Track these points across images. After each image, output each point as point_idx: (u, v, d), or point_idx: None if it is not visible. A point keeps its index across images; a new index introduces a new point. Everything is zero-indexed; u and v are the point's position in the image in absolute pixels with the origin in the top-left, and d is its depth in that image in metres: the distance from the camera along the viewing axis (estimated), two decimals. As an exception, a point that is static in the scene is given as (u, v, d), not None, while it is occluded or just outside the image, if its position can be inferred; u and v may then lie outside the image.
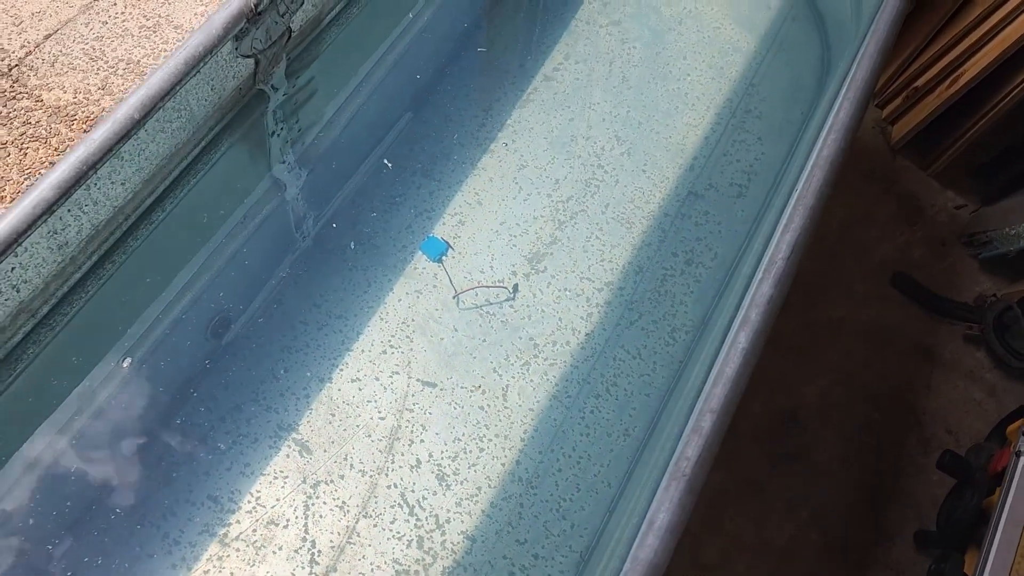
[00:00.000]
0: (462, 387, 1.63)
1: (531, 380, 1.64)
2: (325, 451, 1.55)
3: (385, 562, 1.46)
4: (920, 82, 2.55)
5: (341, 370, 1.62)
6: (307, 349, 1.64)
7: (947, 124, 2.54)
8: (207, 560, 1.43)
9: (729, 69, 2.01)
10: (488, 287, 1.71)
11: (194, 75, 1.11)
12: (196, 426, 1.53)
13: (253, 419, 1.56)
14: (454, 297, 1.70)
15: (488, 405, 1.61)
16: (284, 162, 1.54)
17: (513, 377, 1.64)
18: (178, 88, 1.08)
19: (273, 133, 1.47)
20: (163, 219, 1.30)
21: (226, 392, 1.56)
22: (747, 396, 1.32)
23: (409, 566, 1.46)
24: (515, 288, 1.73)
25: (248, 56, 1.25)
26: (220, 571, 1.42)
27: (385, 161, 1.79)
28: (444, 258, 1.75)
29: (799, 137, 1.92)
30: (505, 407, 1.61)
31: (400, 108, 1.86)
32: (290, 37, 1.34)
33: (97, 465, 1.44)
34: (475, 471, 1.55)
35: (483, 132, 1.90)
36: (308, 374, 1.61)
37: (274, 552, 1.45)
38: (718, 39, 2.05)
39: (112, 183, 1.12)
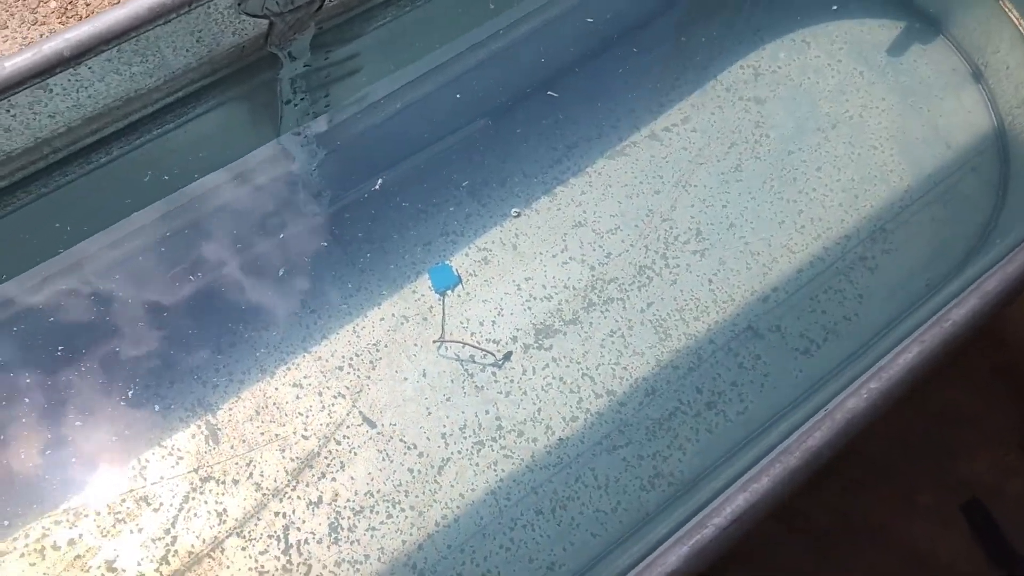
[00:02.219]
0: (401, 440, 1.45)
1: (476, 463, 1.44)
2: (232, 447, 1.42)
3: (236, 591, 1.32)
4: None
5: (288, 369, 1.48)
6: (264, 332, 1.50)
7: None
8: (63, 511, 1.34)
9: (865, 200, 1.67)
10: (478, 348, 1.50)
11: (163, 23, 0.96)
12: (118, 371, 1.43)
13: (177, 383, 1.44)
14: (437, 341, 1.51)
15: (419, 471, 1.43)
16: (299, 134, 1.37)
17: (459, 452, 1.45)
18: (134, 35, 0.94)
19: (289, 102, 1.30)
20: (110, 161, 1.17)
21: (161, 344, 1.45)
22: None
23: (256, 607, 1.32)
24: (507, 356, 1.51)
25: (257, 16, 1.08)
26: (70, 528, 1.33)
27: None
28: (448, 292, 1.55)
29: (912, 310, 1.58)
30: (436, 481, 1.42)
31: (477, 112, 1.65)
32: (322, 6, 1.16)
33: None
34: (372, 536, 1.38)
35: (554, 170, 1.66)
36: (253, 359, 1.47)
37: (132, 532, 1.34)
38: (869, 161, 1.71)
39: (35, 113, 1.00)
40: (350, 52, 1.33)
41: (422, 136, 1.58)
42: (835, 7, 1.79)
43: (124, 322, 1.42)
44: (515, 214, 1.54)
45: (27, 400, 1.36)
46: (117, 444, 1.39)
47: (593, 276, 1.59)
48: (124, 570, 1.32)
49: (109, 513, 1.35)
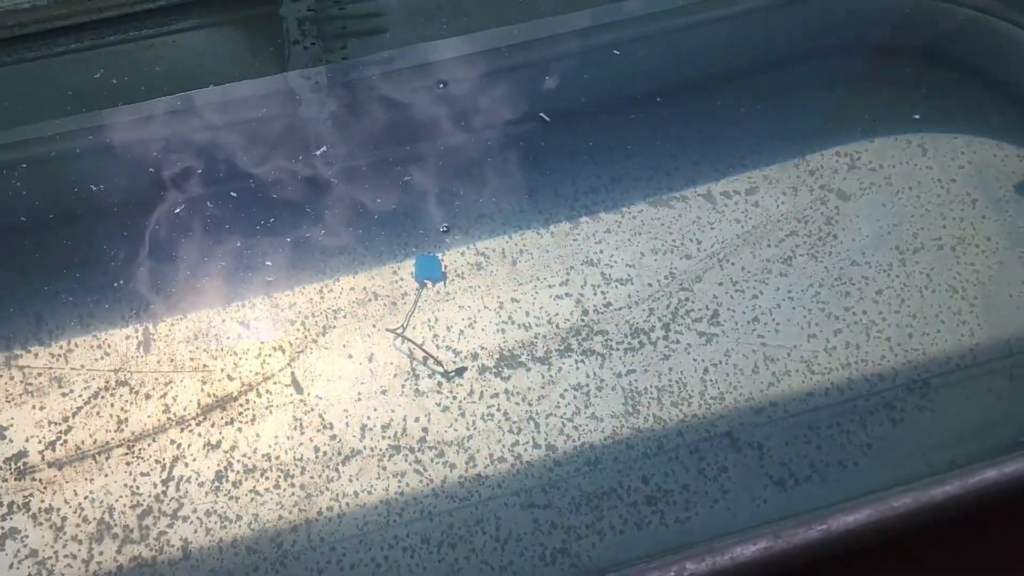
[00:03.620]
0: (321, 415, 1.37)
1: (384, 467, 1.35)
2: (158, 362, 1.39)
3: (103, 503, 1.29)
4: None
5: (242, 307, 1.44)
6: (234, 262, 1.46)
7: None
8: (-18, 365, 1.36)
9: (919, 344, 1.44)
10: (430, 355, 1.40)
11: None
12: (81, 250, 1.43)
13: (131, 283, 1.43)
14: (393, 330, 1.42)
15: (324, 452, 1.35)
16: (308, 78, 1.31)
17: (371, 449, 1.36)
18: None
19: (297, 43, 1.24)
20: (81, 49, 1.14)
21: (134, 248, 1.44)
22: None
23: (114, 523, 1.28)
24: (459, 371, 1.40)
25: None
26: (-18, 383, 1.35)
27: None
28: (427, 285, 1.46)
29: (920, 485, 1.34)
30: (336, 470, 1.34)
31: (526, 113, 1.54)
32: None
33: None
34: (252, 499, 1.32)
35: (587, 199, 1.53)
36: (211, 286, 1.44)
37: (35, 408, 1.34)
38: (942, 303, 1.47)
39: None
40: (370, 9, 1.26)
41: (456, 118, 1.49)
42: (917, 116, 1.55)
43: (99, 211, 1.42)
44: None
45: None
46: (54, 318, 1.39)
47: (583, 321, 1.45)
48: (11, 440, 1.32)
49: (22, 381, 1.35)
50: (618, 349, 1.43)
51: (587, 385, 1.40)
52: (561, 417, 1.38)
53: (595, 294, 1.46)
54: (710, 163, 1.55)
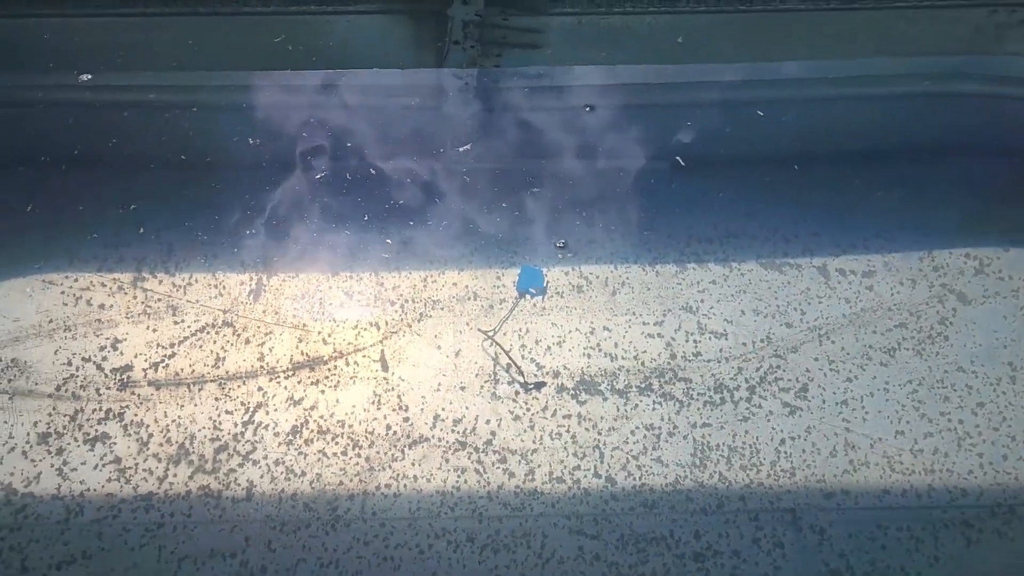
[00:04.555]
0: (400, 396, 1.42)
1: (447, 459, 1.38)
2: (263, 312, 1.47)
3: (187, 430, 1.38)
4: None
5: (350, 278, 1.51)
6: (351, 234, 1.54)
7: None
8: (113, 278, 1.47)
9: (1012, 468, 1.37)
10: (515, 364, 1.43)
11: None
12: (218, 198, 1.53)
13: (258, 235, 1.52)
14: (485, 331, 1.46)
15: (394, 433, 1.40)
16: (460, 78, 1.37)
17: (439, 440, 1.40)
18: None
19: (458, 43, 1.30)
20: (269, 14, 1.23)
21: (267, 202, 1.54)
22: None
23: (193, 450, 1.37)
24: (538, 385, 1.43)
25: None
26: (109, 295, 1.46)
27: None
28: (528, 295, 1.49)
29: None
30: (402, 451, 1.39)
31: (662, 150, 1.56)
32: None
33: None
34: (319, 459, 1.38)
35: (698, 247, 1.53)
36: (327, 252, 1.52)
37: (148, 329, 1.44)
38: (1048, 431, 1.40)
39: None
40: (530, 25, 1.31)
41: (591, 143, 1.52)
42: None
43: (249, 163, 1.52)
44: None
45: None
46: (183, 252, 1.50)
47: (670, 365, 1.45)
48: (122, 353, 1.42)
49: (143, 302, 1.46)
50: (698, 400, 1.42)
51: (659, 428, 1.40)
52: (627, 453, 1.39)
53: (687, 341, 1.46)
54: (831, 238, 1.53)
